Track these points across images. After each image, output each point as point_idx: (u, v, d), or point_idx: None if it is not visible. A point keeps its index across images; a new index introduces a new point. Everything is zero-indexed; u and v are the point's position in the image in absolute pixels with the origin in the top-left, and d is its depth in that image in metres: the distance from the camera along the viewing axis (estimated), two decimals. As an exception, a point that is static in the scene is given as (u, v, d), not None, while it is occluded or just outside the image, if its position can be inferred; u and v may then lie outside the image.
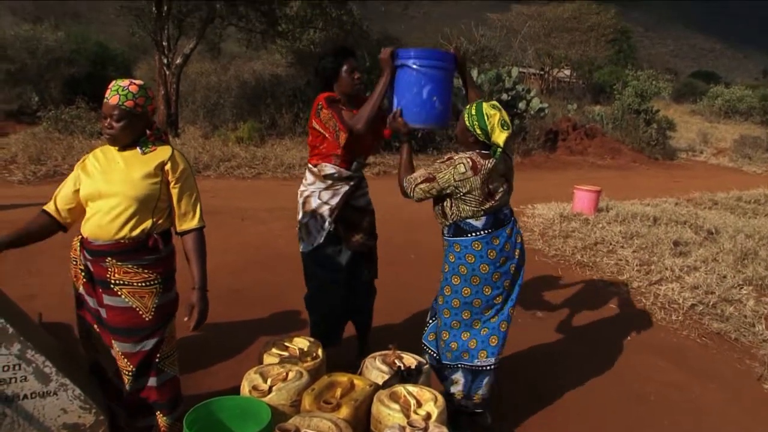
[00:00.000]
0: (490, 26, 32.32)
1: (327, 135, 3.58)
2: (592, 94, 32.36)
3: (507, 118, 3.17)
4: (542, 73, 34.01)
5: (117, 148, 2.75)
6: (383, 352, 3.38)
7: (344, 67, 3.61)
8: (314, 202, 3.72)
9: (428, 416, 2.84)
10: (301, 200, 3.79)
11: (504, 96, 15.74)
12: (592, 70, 36.05)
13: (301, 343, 3.50)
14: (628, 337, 5.17)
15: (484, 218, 3.22)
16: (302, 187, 3.81)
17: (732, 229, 8.29)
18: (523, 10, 35.68)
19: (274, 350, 3.37)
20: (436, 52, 3.48)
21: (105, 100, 2.65)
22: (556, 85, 34.19)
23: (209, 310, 2.94)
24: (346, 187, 3.72)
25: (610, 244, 7.43)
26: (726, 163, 20.19)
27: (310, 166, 3.77)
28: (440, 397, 2.94)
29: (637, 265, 6.73)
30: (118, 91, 2.64)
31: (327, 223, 3.70)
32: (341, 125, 3.54)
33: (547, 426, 3.76)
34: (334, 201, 3.70)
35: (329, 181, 3.70)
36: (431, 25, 32.77)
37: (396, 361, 3.28)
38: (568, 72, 36.07)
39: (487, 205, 3.20)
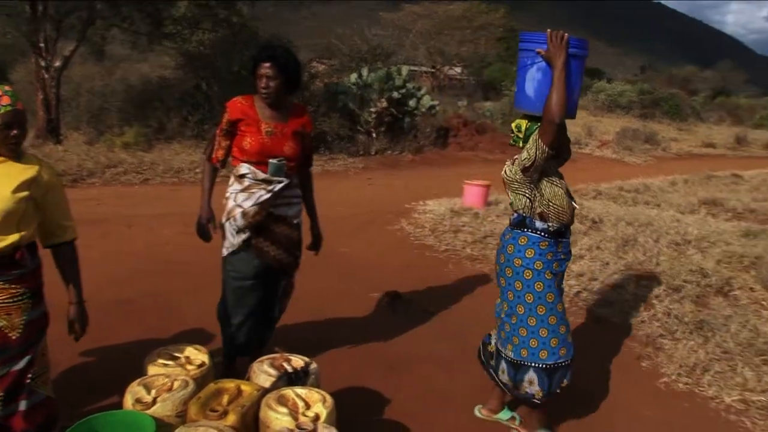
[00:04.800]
0: (383, 26, 32.58)
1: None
2: (483, 91, 33.14)
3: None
4: (434, 70, 34.57)
5: None
6: (271, 356, 3.34)
7: (257, 71, 3.54)
8: (230, 204, 3.63)
9: (317, 418, 2.83)
10: (224, 202, 3.70)
11: (395, 94, 15.84)
12: (483, 67, 36.95)
13: (187, 351, 3.41)
14: (518, 327, 5.30)
15: None
16: (226, 189, 3.72)
17: (614, 218, 8.62)
18: (415, 9, 36.15)
19: (159, 360, 3.27)
20: (522, 34, 3.37)
21: (7, 107, 2.50)
22: (447, 82, 34.84)
23: (90, 322, 2.83)
24: (263, 192, 3.58)
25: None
26: (609, 155, 21.05)
27: (233, 168, 3.68)
28: (329, 398, 2.94)
29: (525, 256, 6.89)
30: (15, 95, 2.54)
31: (239, 228, 3.59)
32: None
33: (436, 418, 3.82)
34: (247, 204, 3.57)
35: (246, 183, 3.59)
36: (324, 26, 32.72)
37: (284, 363, 3.24)
38: (459, 69, 36.80)
39: None
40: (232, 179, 3.69)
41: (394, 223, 8.35)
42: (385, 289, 5.75)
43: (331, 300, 5.54)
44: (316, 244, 4.12)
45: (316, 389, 3.05)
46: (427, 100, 17.06)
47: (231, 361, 3.89)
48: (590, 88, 40.17)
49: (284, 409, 2.82)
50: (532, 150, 3.16)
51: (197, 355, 3.38)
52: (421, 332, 5.05)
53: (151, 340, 4.37)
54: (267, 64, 3.50)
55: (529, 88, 3.26)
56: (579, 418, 3.94)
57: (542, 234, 3.31)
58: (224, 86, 13.88)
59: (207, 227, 3.71)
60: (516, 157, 3.34)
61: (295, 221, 3.81)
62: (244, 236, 3.61)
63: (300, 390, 2.99)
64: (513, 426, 3.75)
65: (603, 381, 4.46)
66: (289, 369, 3.18)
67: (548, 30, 3.12)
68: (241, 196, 3.60)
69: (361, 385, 4.11)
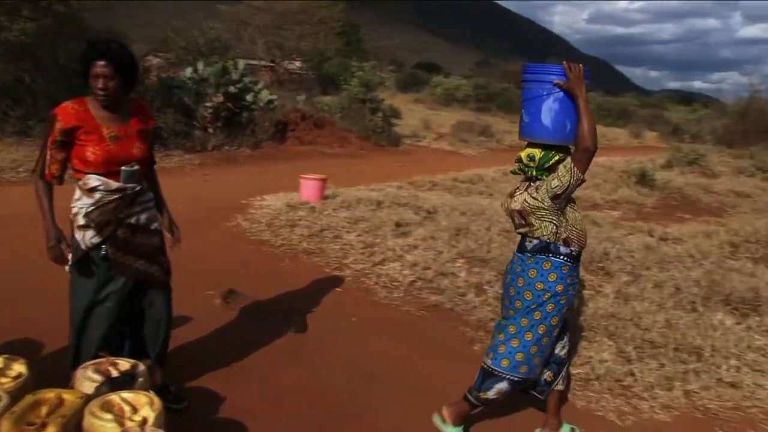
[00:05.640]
0: (221, 19, 31.91)
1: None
2: (322, 86, 33.26)
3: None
4: (273, 65, 34.29)
5: None
6: (96, 361, 3.21)
7: (90, 70, 3.25)
8: (80, 220, 3.33)
9: (144, 421, 2.75)
10: (71, 218, 3.39)
11: (231, 89, 15.55)
12: (322, 61, 37.13)
13: (0, 362, 3.21)
14: (354, 318, 5.41)
15: None
16: (72, 204, 3.39)
17: (448, 208, 8.98)
18: (254, 2, 35.74)
19: (-34, 377, 3.05)
20: (530, 66, 3.45)
21: None
22: (287, 77, 34.64)
23: None
24: (118, 202, 3.34)
25: (336, 229, 7.68)
26: (445, 147, 21.76)
27: (78, 181, 3.36)
28: (156, 400, 2.86)
29: (361, 249, 7.05)
30: None
31: (91, 243, 3.33)
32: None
33: (276, 412, 3.84)
34: (102, 218, 3.31)
35: (97, 195, 3.30)
36: (159, 18, 31.56)
37: (110, 368, 3.13)
38: (299, 64, 36.74)
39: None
40: (78, 193, 3.39)
41: (230, 219, 8.23)
42: (222, 285, 5.68)
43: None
44: (173, 233, 3.83)
45: (144, 392, 2.96)
46: (265, 95, 16.92)
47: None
48: (428, 82, 41.66)
49: (109, 416, 2.72)
50: (565, 177, 3.23)
51: (13, 365, 3.18)
52: (258, 329, 5.02)
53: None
54: (102, 62, 3.22)
55: (546, 118, 3.32)
56: (411, 405, 4.08)
57: (565, 259, 3.39)
58: (50, 80, 13.07)
59: (60, 248, 3.38)
60: (536, 185, 3.38)
61: (152, 226, 3.59)
62: (102, 252, 3.37)
63: (126, 394, 2.89)
64: None
65: (436, 366, 4.64)
66: (115, 373, 3.08)
67: (564, 62, 3.23)
68: (94, 213, 3.33)
69: (197, 384, 4.05)
